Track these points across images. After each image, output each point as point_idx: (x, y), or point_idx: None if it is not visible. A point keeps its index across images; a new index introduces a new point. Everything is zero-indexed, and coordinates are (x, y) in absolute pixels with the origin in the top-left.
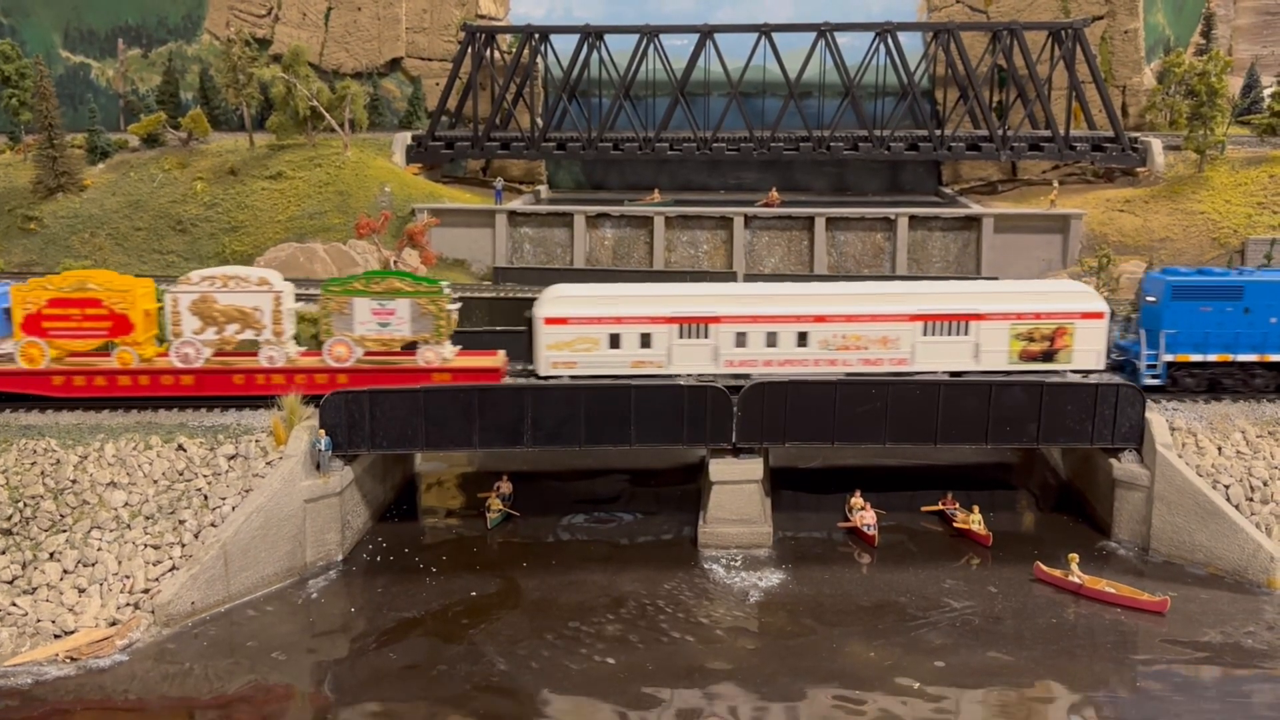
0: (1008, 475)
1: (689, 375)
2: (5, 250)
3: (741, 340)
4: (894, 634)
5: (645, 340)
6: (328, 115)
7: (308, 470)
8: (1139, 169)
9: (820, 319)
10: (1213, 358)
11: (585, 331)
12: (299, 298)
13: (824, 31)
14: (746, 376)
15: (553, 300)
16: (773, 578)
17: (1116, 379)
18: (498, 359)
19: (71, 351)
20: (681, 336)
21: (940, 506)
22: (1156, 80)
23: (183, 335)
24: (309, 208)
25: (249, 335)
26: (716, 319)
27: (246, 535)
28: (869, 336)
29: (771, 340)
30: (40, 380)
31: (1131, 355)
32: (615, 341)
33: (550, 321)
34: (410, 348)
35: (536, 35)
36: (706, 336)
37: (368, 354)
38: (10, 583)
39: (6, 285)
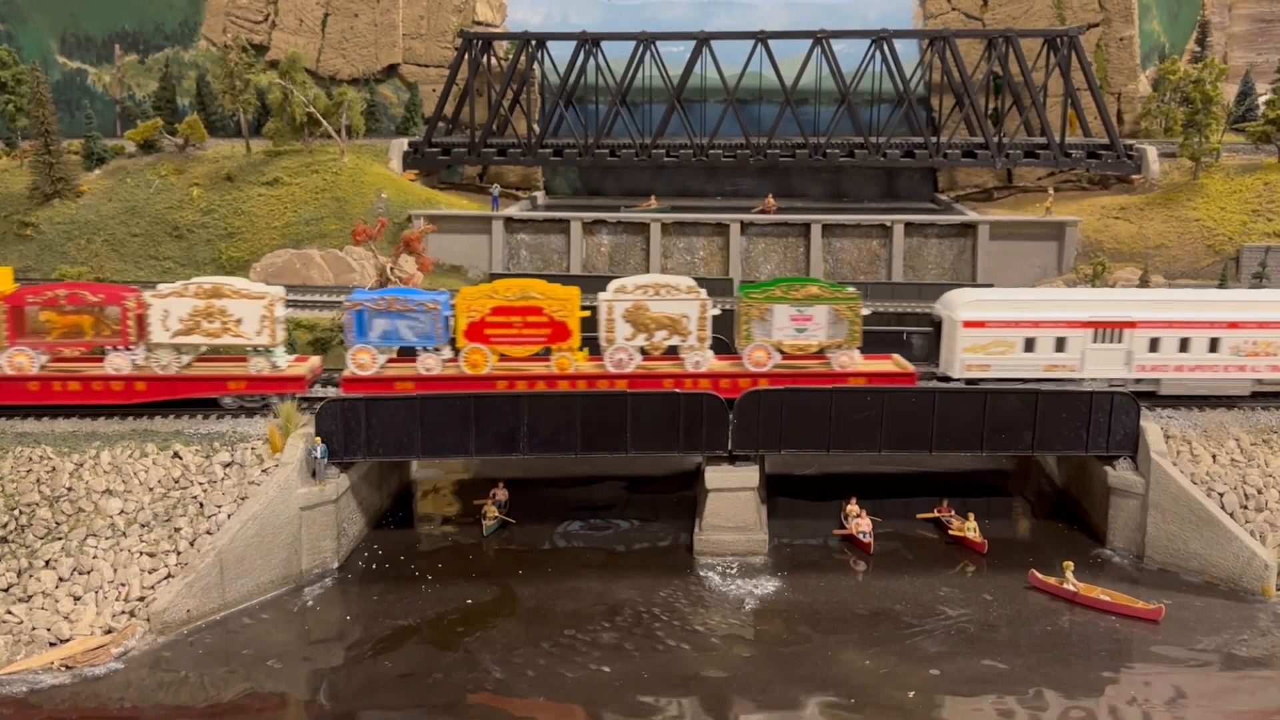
0: (1003, 483)
1: (1097, 380)
2: (1, 257)
3: (1154, 345)
4: (889, 642)
5: (1060, 344)
6: (324, 121)
7: (304, 478)
8: (1134, 176)
9: (1234, 325)
10: None
11: (1002, 335)
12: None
13: (820, 39)
14: (1156, 382)
15: (969, 304)
16: (768, 585)
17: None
18: (906, 363)
19: (504, 356)
20: (1096, 341)
21: (936, 514)
22: (1152, 87)
23: (615, 342)
24: (305, 214)
25: (675, 341)
26: (1132, 324)
27: (242, 543)
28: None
29: (1184, 346)
30: (487, 385)
31: None
32: (1030, 345)
33: (969, 325)
34: (818, 353)
35: (533, 42)
36: (1120, 341)
37: (785, 358)
38: (5, 590)
39: (445, 294)
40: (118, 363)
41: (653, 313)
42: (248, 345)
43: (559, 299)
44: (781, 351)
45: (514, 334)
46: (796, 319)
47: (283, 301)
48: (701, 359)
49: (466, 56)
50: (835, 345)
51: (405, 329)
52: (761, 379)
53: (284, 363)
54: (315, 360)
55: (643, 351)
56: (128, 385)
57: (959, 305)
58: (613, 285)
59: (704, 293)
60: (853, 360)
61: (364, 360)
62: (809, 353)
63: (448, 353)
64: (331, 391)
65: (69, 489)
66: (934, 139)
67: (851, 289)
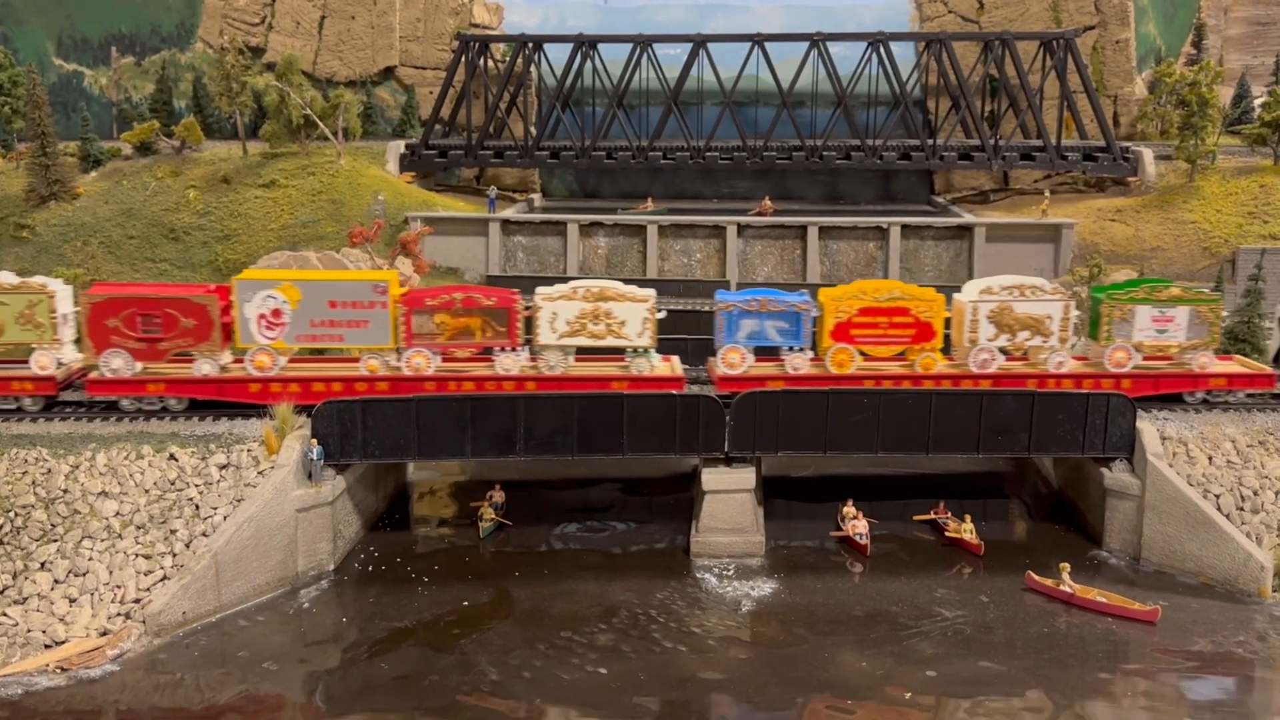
0: (1000, 484)
1: None
2: None
3: None
4: (886, 643)
5: None
6: (321, 124)
7: (300, 480)
8: (1130, 178)
9: None
10: None
11: None
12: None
13: (816, 41)
14: None
15: None
16: (765, 587)
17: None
18: (1259, 365)
19: (866, 356)
20: None
21: (932, 515)
22: (1148, 90)
23: (979, 342)
24: (302, 216)
25: (1036, 342)
26: None
27: (238, 545)
28: None
29: None
30: (853, 383)
31: None
32: None
33: None
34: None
35: (530, 44)
36: None
37: (1144, 359)
38: (1, 593)
39: (805, 295)
40: (506, 363)
41: (1017, 314)
42: (629, 347)
43: (926, 300)
44: (1140, 352)
45: (880, 334)
46: (1158, 320)
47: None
48: (1063, 359)
49: (463, 59)
50: (1194, 347)
51: (772, 329)
52: (1125, 380)
53: (657, 362)
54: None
55: (1003, 352)
56: (518, 385)
57: None
58: (976, 286)
59: (1067, 294)
60: (1210, 361)
61: (734, 360)
62: (1168, 354)
63: (810, 353)
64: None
65: (64, 491)
66: (930, 141)
67: (1212, 291)
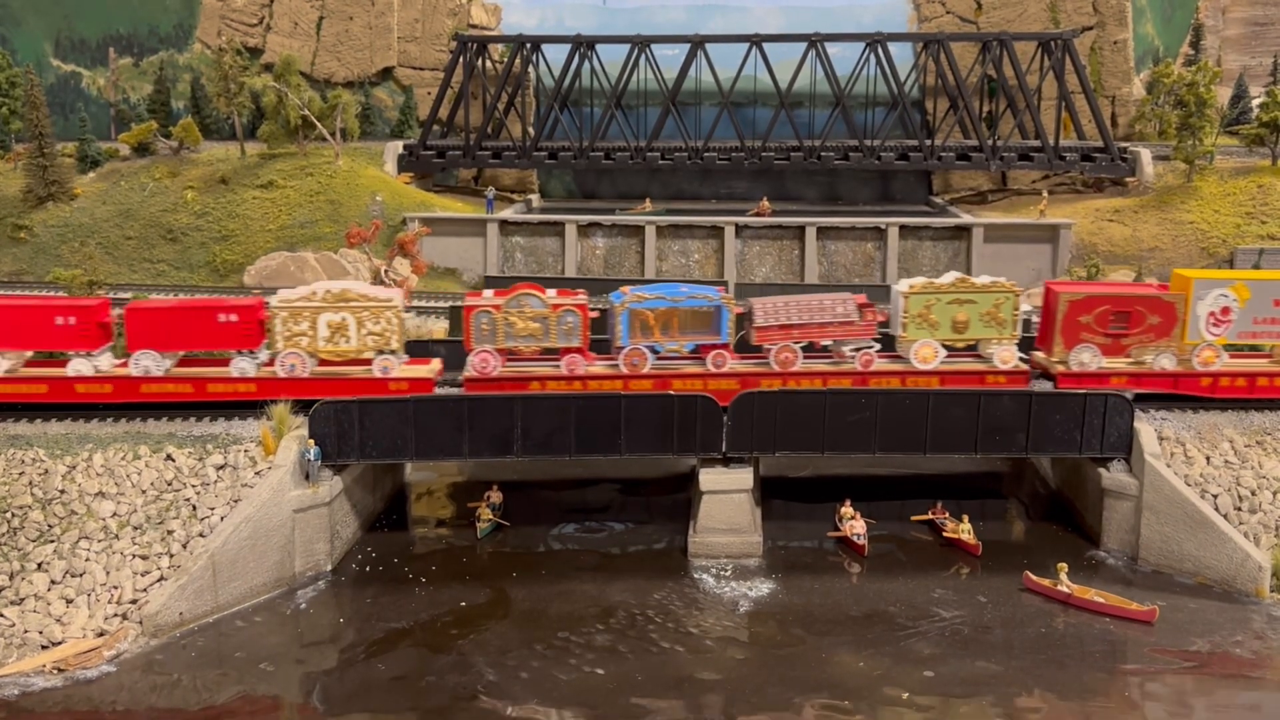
0: (997, 484)
1: None
2: None
3: None
4: (883, 644)
5: None
6: (319, 124)
7: (297, 480)
8: (1128, 179)
9: None
10: None
11: None
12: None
13: (814, 42)
14: None
15: None
16: (763, 587)
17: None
18: None
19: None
20: None
21: (930, 516)
22: (1145, 91)
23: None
24: (300, 217)
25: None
26: None
27: (235, 545)
28: None
29: None
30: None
31: None
32: None
33: None
34: None
35: (528, 45)
36: None
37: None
38: None
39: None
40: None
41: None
42: None
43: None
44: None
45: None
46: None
47: None
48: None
49: (461, 59)
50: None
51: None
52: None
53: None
54: None
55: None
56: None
57: None
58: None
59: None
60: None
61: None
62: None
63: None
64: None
65: (61, 491)
66: (928, 142)
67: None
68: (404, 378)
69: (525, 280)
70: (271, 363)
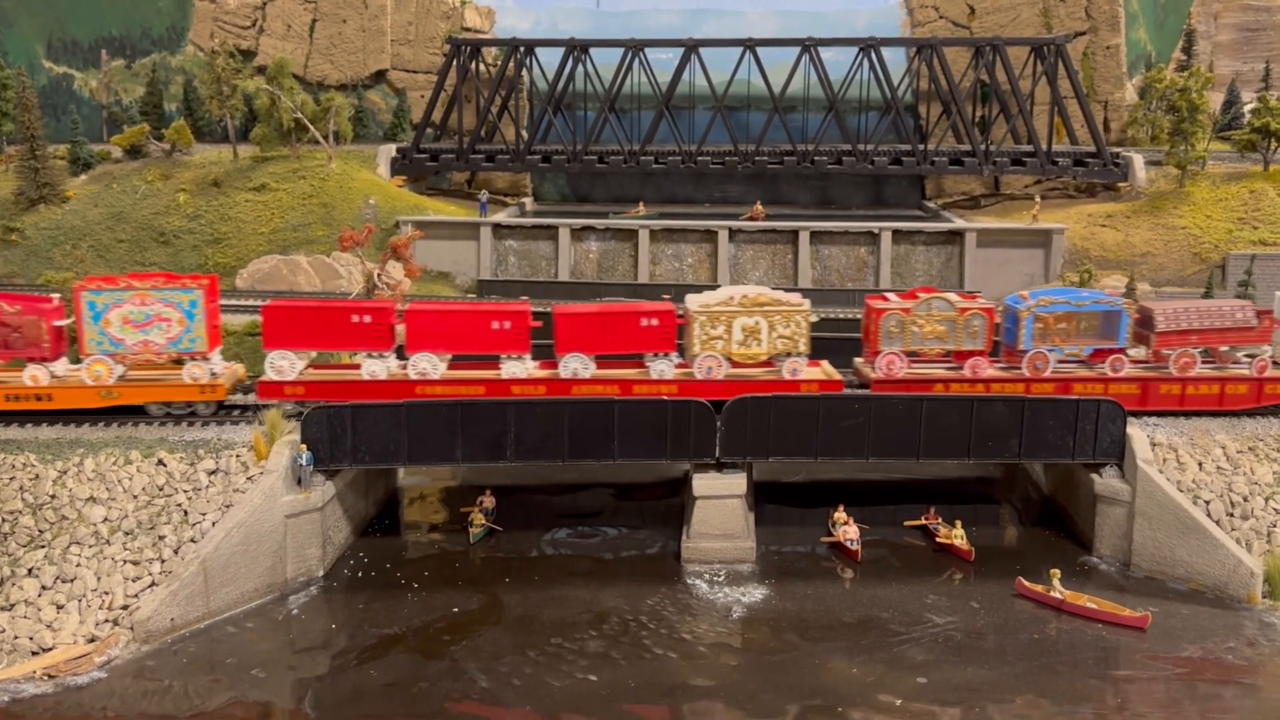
0: (990, 490)
1: None
2: None
3: None
4: (876, 650)
5: None
6: (312, 127)
7: (289, 485)
8: (1120, 184)
9: None
10: None
11: None
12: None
13: (808, 46)
14: None
15: None
16: (756, 593)
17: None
18: None
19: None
20: None
21: (923, 521)
22: (1138, 96)
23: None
24: (292, 220)
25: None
26: None
27: (227, 551)
28: None
29: None
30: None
31: None
32: None
33: None
34: None
35: (522, 48)
36: None
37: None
38: None
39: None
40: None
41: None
42: None
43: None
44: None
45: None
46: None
47: None
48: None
49: (455, 63)
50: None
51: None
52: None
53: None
54: None
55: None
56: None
57: None
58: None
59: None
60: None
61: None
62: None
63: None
64: None
65: (52, 496)
66: (921, 146)
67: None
68: (812, 379)
69: (517, 283)
70: (687, 364)
